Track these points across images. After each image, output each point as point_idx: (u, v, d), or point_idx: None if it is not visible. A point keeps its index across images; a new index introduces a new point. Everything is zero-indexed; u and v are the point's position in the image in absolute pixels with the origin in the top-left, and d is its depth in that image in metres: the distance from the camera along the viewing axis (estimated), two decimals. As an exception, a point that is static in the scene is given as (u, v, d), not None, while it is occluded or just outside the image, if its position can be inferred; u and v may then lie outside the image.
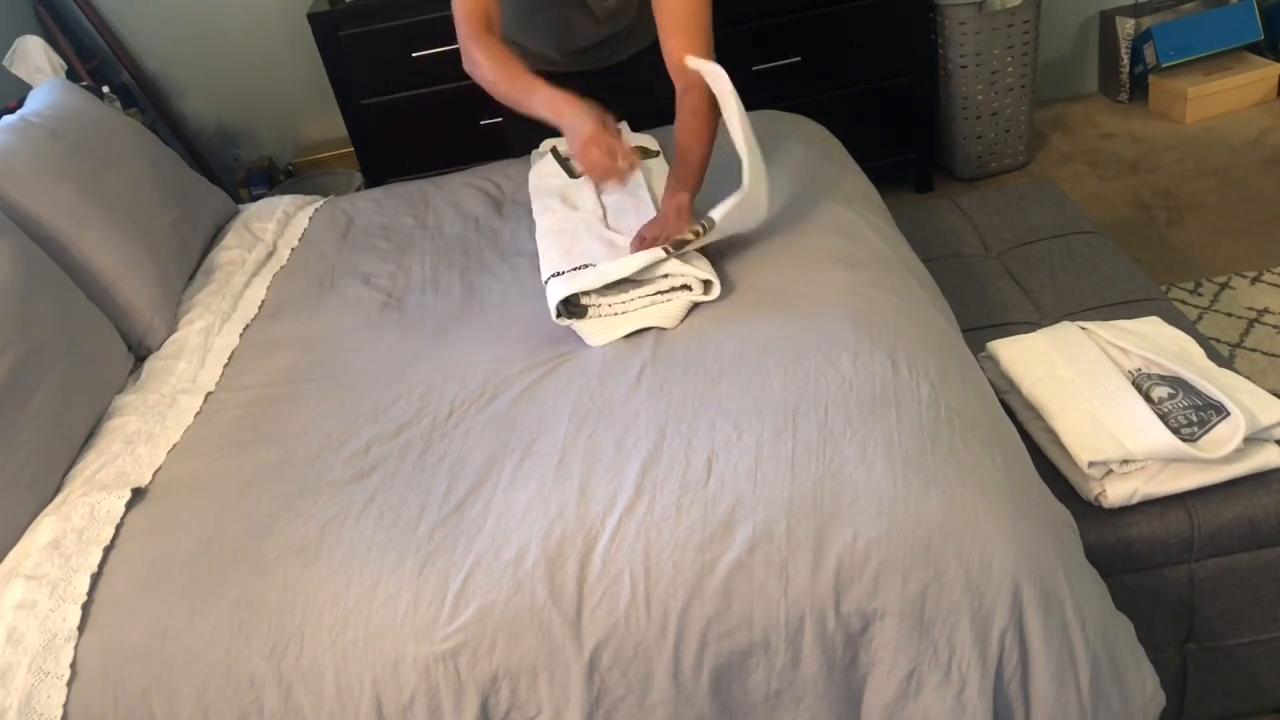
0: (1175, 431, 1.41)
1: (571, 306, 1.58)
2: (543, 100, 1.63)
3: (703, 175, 1.73)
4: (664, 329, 1.56)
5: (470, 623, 1.18)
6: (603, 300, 1.59)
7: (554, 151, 2.06)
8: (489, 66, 1.71)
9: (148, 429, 1.62)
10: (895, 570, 1.15)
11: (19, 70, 2.65)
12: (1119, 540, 1.41)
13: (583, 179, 1.93)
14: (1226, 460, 1.40)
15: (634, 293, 1.59)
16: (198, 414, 1.65)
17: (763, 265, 1.65)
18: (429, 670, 1.18)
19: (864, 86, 3.00)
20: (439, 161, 2.98)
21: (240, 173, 3.44)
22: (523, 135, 2.26)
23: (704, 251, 1.66)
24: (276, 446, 1.52)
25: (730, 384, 1.39)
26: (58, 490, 1.54)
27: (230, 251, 2.15)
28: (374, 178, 3.05)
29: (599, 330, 1.57)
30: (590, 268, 1.62)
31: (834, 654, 1.17)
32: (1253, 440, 1.42)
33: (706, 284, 1.59)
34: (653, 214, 1.74)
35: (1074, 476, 1.47)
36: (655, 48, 2.14)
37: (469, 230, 2.06)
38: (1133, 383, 1.51)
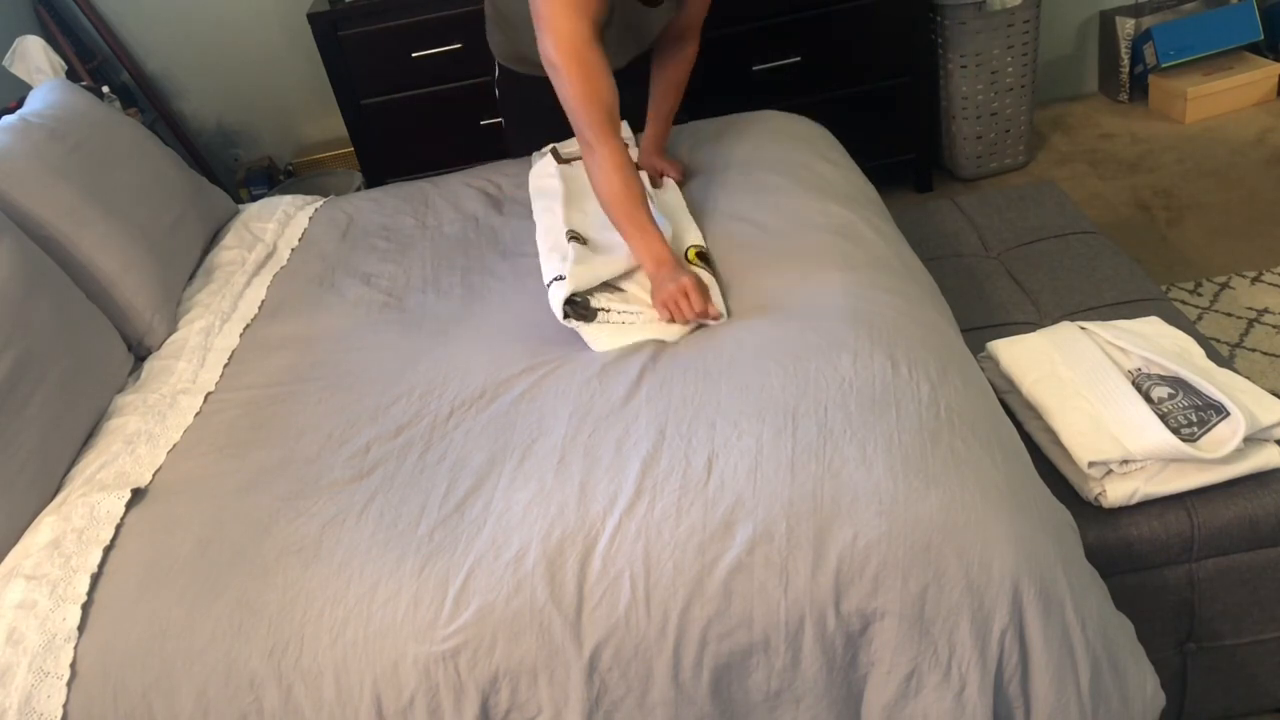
0: (1175, 431, 1.41)
1: (580, 309, 1.58)
2: (643, 243, 1.60)
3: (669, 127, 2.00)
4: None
5: (470, 623, 1.18)
6: (613, 306, 1.59)
7: (553, 151, 2.06)
8: (615, 177, 1.61)
9: (148, 429, 1.62)
10: (895, 570, 1.15)
11: (19, 70, 2.64)
12: (1119, 540, 1.41)
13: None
14: (1226, 460, 1.40)
15: (645, 307, 1.59)
16: (198, 414, 1.65)
17: (763, 266, 1.65)
18: (429, 670, 1.18)
19: (864, 86, 2.99)
20: (439, 161, 2.98)
21: (240, 173, 3.44)
22: (524, 141, 2.26)
23: (709, 265, 1.67)
24: (277, 446, 1.52)
25: (730, 384, 1.39)
26: (58, 490, 1.54)
27: (230, 251, 2.15)
28: (374, 178, 3.05)
29: (604, 336, 1.56)
30: (580, 243, 1.67)
31: (834, 654, 1.17)
32: (1253, 440, 1.42)
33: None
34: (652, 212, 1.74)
35: (1074, 476, 1.47)
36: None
37: (469, 230, 2.06)
38: (1133, 383, 1.51)
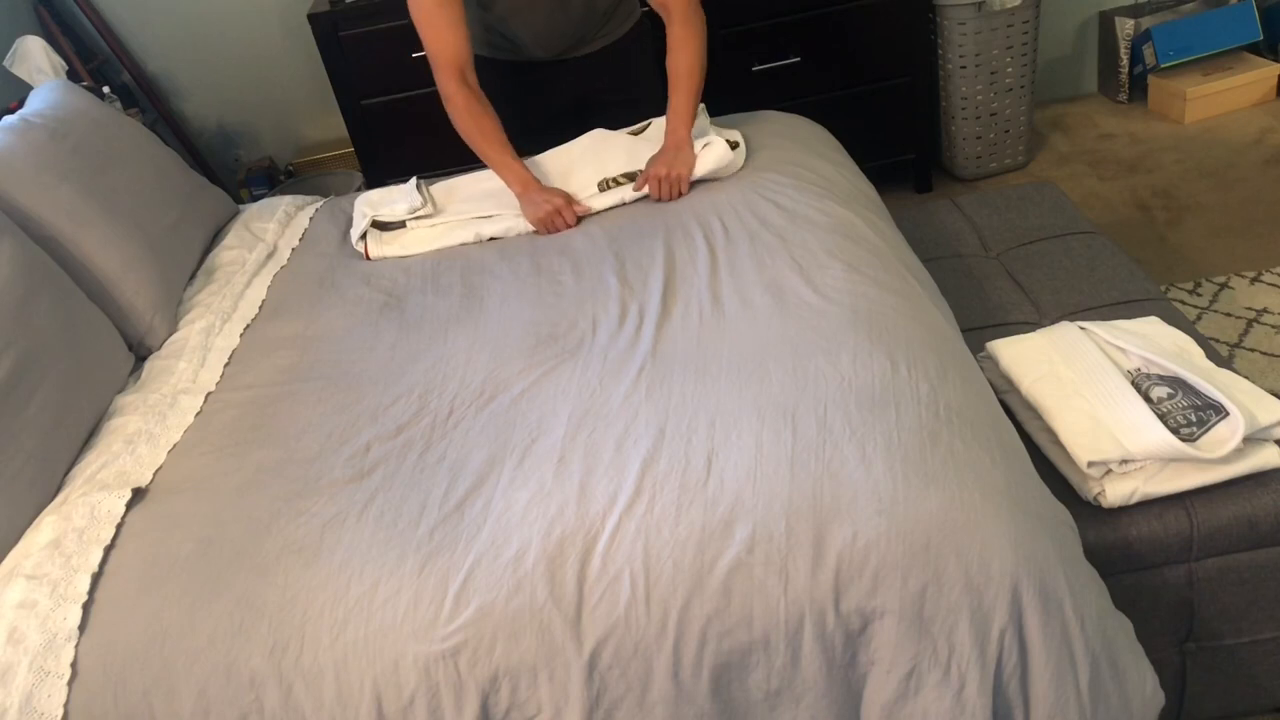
0: (1174, 431, 1.41)
1: (385, 225, 1.96)
2: (510, 174, 1.94)
3: (696, 102, 1.95)
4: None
5: (470, 622, 1.19)
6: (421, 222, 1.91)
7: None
8: (467, 122, 1.93)
9: (148, 429, 1.62)
10: (895, 569, 1.15)
11: (19, 70, 2.65)
12: (1119, 540, 1.42)
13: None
14: (1226, 460, 1.40)
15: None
16: (198, 414, 1.65)
17: (763, 265, 1.66)
18: (429, 670, 1.18)
19: (864, 86, 3.00)
20: (439, 161, 2.98)
21: (241, 173, 3.44)
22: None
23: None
24: (277, 446, 1.52)
25: (730, 383, 1.39)
26: (58, 490, 1.54)
27: (231, 251, 2.15)
28: (374, 178, 3.05)
29: (417, 239, 1.92)
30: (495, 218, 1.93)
31: (833, 653, 1.18)
32: (1252, 440, 1.43)
33: (734, 145, 1.82)
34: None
35: (1074, 476, 1.47)
36: (628, 36, 2.19)
37: (469, 230, 2.06)
38: (1132, 383, 1.51)
